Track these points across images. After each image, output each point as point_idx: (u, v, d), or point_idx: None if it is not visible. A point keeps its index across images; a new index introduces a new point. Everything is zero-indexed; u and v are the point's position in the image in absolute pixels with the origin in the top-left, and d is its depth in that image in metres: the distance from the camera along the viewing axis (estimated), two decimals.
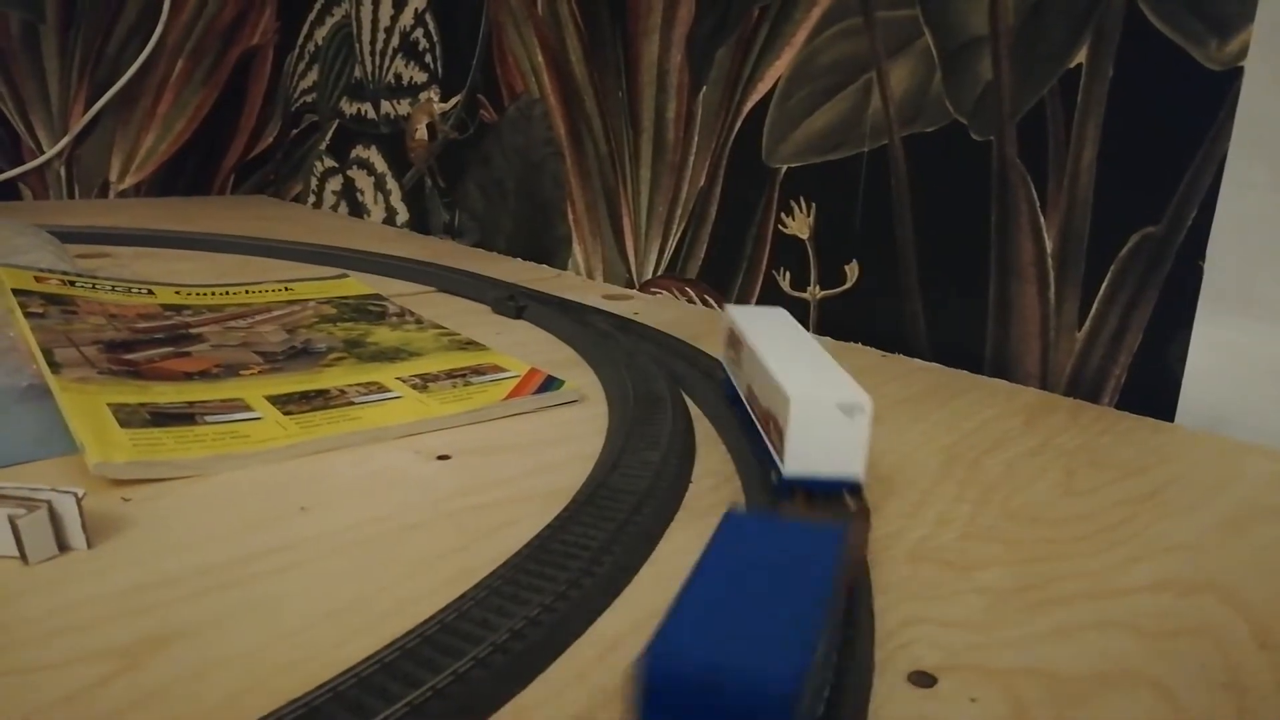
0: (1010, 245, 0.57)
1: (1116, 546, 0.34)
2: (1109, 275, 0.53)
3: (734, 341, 0.43)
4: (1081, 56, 0.53)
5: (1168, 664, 0.27)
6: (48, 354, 0.44)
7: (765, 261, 0.70)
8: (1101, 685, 0.26)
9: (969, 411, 0.49)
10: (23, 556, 0.29)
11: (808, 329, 0.67)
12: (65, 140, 1.06)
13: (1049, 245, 0.55)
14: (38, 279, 0.57)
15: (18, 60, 1.02)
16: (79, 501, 0.30)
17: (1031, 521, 0.36)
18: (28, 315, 0.50)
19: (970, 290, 0.59)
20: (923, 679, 0.26)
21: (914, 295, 0.62)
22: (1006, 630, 0.28)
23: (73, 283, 0.57)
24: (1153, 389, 0.52)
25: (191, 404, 0.41)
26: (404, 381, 0.46)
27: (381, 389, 0.45)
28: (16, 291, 0.53)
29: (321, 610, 0.27)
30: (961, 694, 0.25)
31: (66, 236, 0.69)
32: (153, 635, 0.25)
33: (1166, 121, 0.50)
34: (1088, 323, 0.54)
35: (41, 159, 1.05)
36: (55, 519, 0.29)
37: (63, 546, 0.30)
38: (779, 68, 0.67)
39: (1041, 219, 0.55)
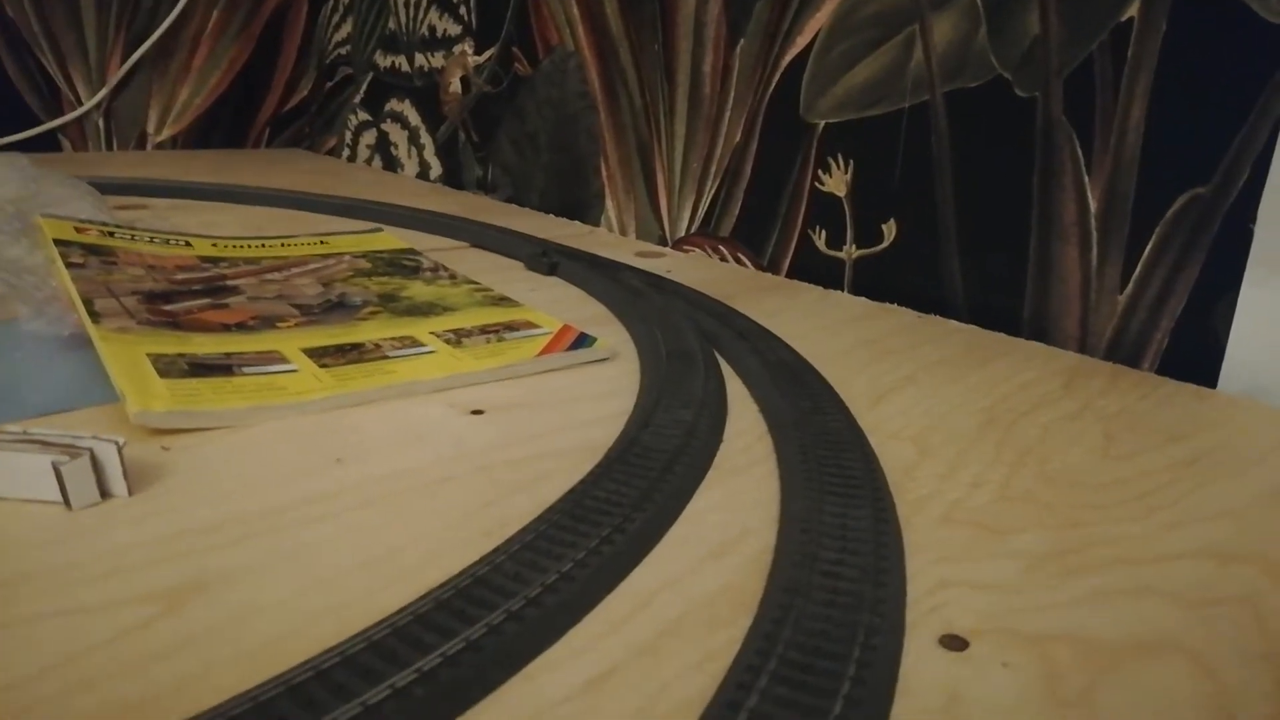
0: (1053, 205, 0.56)
1: (1155, 513, 0.34)
2: (1154, 237, 0.52)
3: None
4: (1133, 10, 0.51)
5: (1206, 633, 0.27)
6: (88, 304, 0.45)
7: (800, 219, 0.69)
8: (1137, 652, 0.26)
9: (1006, 374, 0.48)
10: (66, 502, 0.29)
11: (842, 289, 0.66)
12: (103, 92, 1.06)
13: (1093, 205, 0.54)
14: (78, 229, 0.57)
15: (56, 12, 1.02)
16: (120, 449, 0.30)
17: (1069, 486, 0.36)
18: (68, 265, 0.50)
19: (1010, 251, 0.58)
20: (954, 642, 0.25)
21: (952, 255, 0.61)
22: (1041, 595, 0.28)
23: (112, 234, 0.58)
24: (1195, 354, 0.51)
25: (229, 355, 0.41)
26: (438, 336, 0.47)
27: (415, 343, 0.45)
28: (57, 242, 0.54)
29: (356, 560, 0.28)
30: (994, 658, 0.25)
31: (105, 188, 0.70)
32: (192, 581, 0.26)
33: (1220, 78, 0.49)
34: (1130, 285, 0.53)
35: (80, 110, 1.06)
36: (97, 466, 0.30)
37: (104, 493, 0.30)
38: (819, 20, 0.66)
39: (1086, 178, 0.54)
